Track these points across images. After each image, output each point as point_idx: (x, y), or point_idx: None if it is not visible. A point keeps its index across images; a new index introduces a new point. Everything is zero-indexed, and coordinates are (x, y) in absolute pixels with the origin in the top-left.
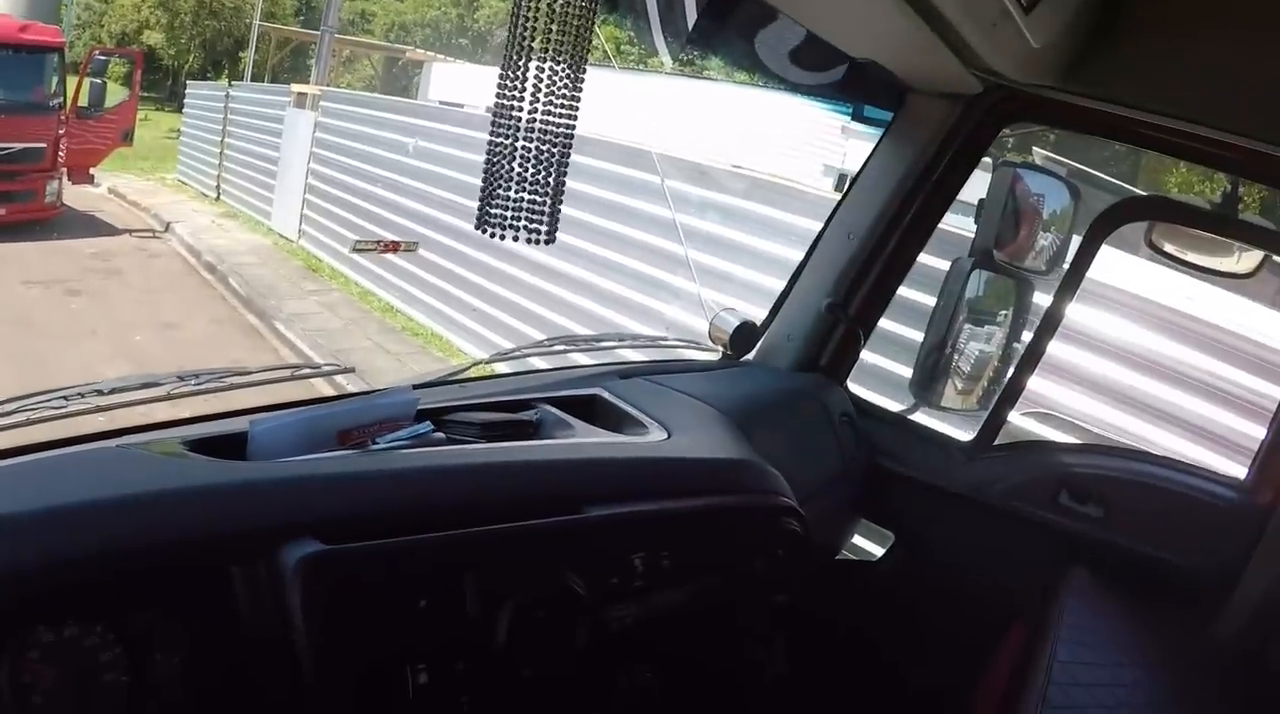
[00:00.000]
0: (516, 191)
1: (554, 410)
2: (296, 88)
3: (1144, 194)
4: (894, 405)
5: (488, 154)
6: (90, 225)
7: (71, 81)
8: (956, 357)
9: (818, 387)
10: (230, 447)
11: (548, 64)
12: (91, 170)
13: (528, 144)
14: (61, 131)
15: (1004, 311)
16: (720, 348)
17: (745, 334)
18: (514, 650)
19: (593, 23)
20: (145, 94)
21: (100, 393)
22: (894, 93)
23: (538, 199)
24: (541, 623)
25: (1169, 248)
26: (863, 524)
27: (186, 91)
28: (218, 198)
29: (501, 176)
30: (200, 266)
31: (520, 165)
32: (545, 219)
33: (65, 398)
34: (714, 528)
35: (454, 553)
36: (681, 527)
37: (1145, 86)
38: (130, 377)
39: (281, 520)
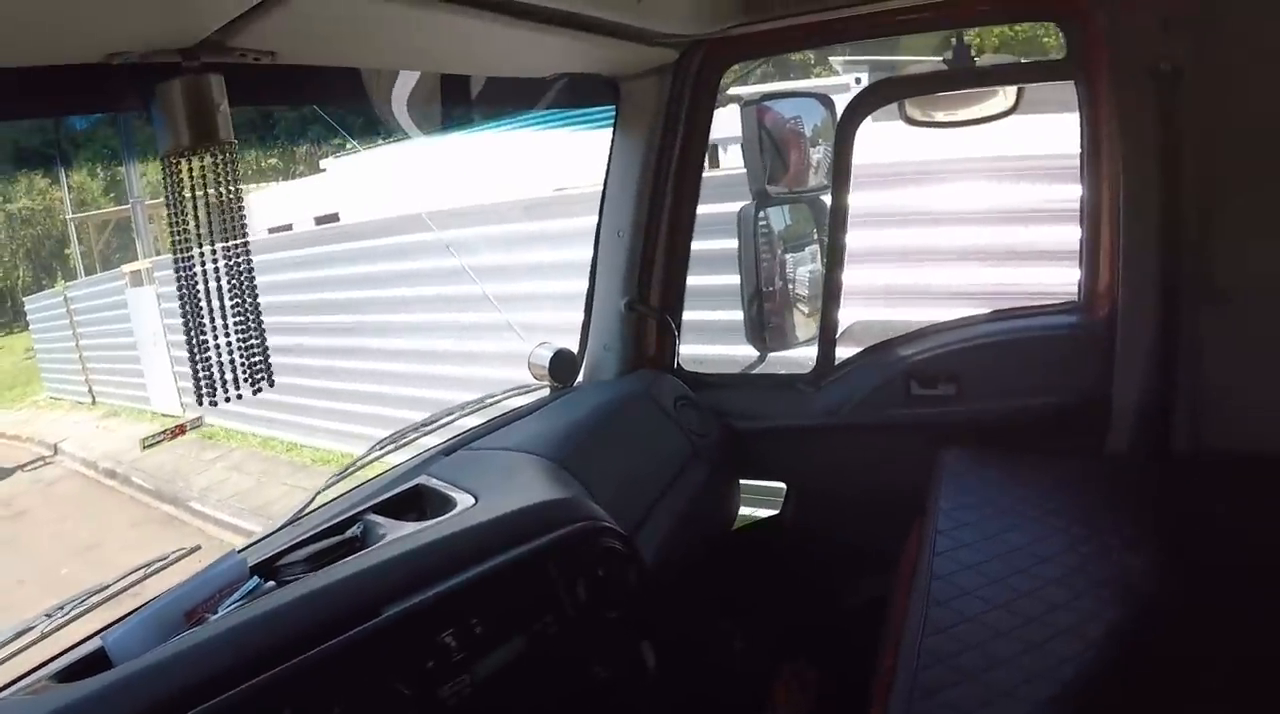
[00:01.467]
0: (222, 342)
1: (376, 517)
2: (127, 268)
3: (882, 79)
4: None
5: (179, 295)
6: None
7: None
8: (779, 295)
9: (645, 383)
10: (93, 665)
11: (208, 192)
12: None
13: (219, 271)
14: None
15: (809, 235)
16: (547, 383)
17: (563, 362)
18: None
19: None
20: None
21: None
22: (608, 87)
23: (246, 342)
24: None
25: (932, 116)
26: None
27: (26, 308)
28: (93, 402)
29: (201, 327)
30: (100, 475)
31: (216, 292)
32: (258, 359)
33: None
34: (525, 574)
35: (270, 693)
36: (489, 587)
37: None
38: (3, 630)
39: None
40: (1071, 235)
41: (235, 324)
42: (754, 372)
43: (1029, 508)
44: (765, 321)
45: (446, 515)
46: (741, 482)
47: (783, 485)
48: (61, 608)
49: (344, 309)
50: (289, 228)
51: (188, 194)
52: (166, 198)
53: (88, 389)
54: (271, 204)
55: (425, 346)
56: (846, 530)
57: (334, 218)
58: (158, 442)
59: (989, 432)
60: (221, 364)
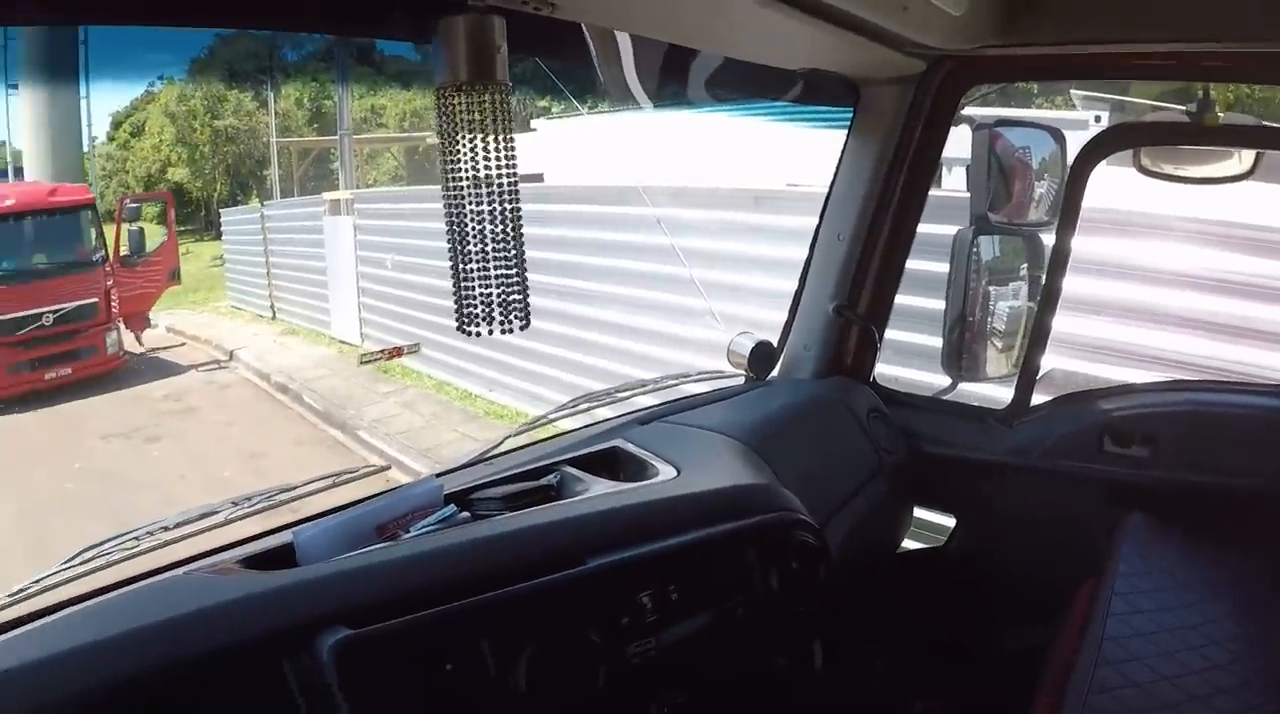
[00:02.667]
0: (479, 283)
1: (573, 470)
2: (329, 196)
3: (1122, 123)
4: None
5: (449, 233)
6: (156, 368)
7: (109, 232)
8: (981, 325)
9: (842, 390)
10: (281, 557)
11: (478, 130)
12: (147, 314)
13: (482, 210)
14: (110, 283)
15: (1020, 269)
16: (743, 372)
17: (763, 354)
18: (536, 698)
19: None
20: (182, 229)
21: (165, 529)
22: (848, 89)
23: (505, 280)
24: (557, 670)
25: (1163, 168)
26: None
27: (221, 219)
28: (274, 317)
29: (467, 257)
30: (272, 389)
31: (480, 234)
32: (517, 300)
33: (136, 538)
34: (721, 554)
35: (467, 620)
36: (688, 559)
37: (1084, 20)
38: (190, 510)
39: (320, 613)
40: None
41: (497, 261)
42: (944, 397)
43: (1209, 589)
44: (963, 350)
45: (648, 481)
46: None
47: (952, 518)
48: (249, 499)
49: (547, 270)
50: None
51: (461, 130)
52: (439, 131)
53: (270, 304)
54: None
55: (622, 320)
56: (1013, 574)
57: (538, 178)
58: (374, 359)
59: (1177, 501)
60: (482, 298)
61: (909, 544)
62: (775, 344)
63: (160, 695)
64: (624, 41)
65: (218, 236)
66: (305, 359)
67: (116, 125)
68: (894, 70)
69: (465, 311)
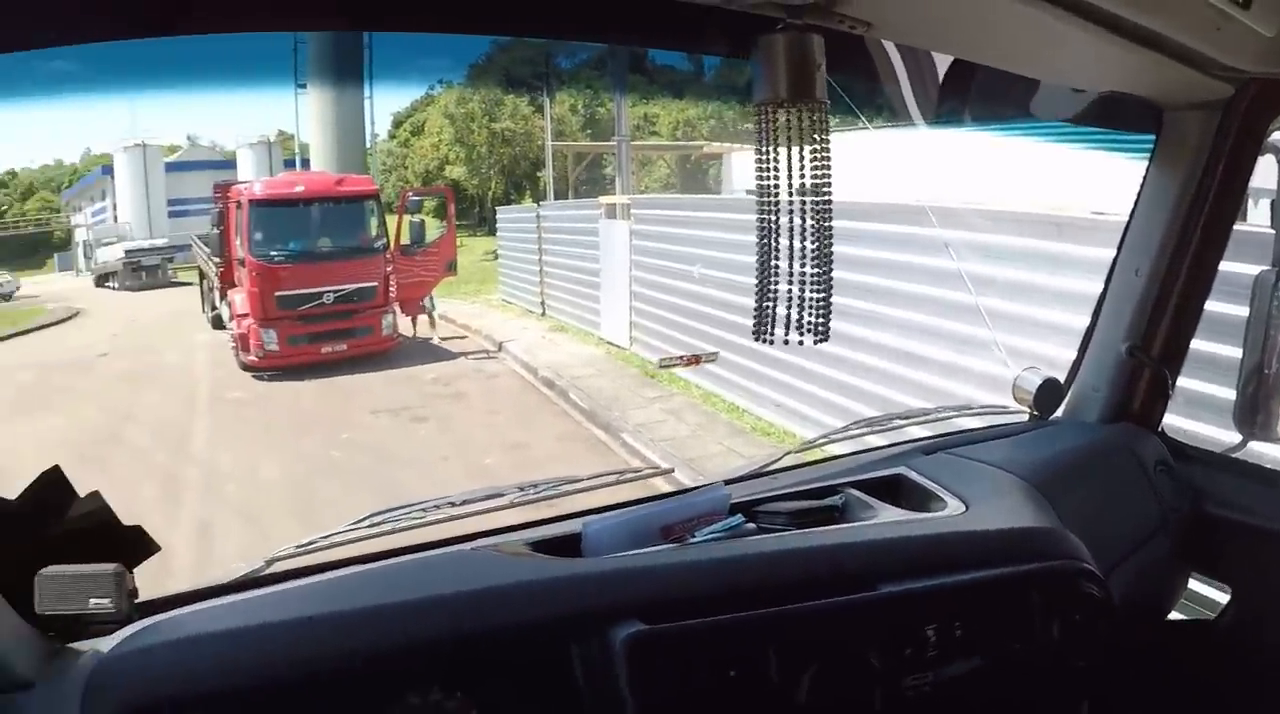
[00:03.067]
0: (789, 289)
1: (858, 494)
2: (605, 200)
3: None
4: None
5: (759, 248)
6: (427, 352)
7: (390, 222)
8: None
9: (1129, 437)
10: (566, 545)
11: (797, 146)
12: (422, 301)
13: (791, 220)
14: (389, 269)
15: None
16: (1027, 409)
17: (1049, 392)
18: None
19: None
20: (457, 223)
21: (453, 504)
22: (1150, 115)
23: (809, 293)
24: (837, 691)
25: None
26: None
27: (497, 216)
28: (543, 313)
29: (771, 272)
30: (538, 382)
31: (788, 250)
32: (820, 312)
33: (424, 510)
34: (1008, 597)
35: (759, 630)
36: (975, 598)
37: None
38: (478, 490)
39: (611, 606)
40: None
41: (804, 273)
42: (1236, 456)
43: None
44: (1259, 404)
45: (935, 513)
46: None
47: (1228, 591)
48: (535, 486)
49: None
50: None
51: (779, 145)
52: (757, 145)
53: (540, 301)
54: (748, 166)
55: (899, 345)
56: None
57: None
58: (673, 364)
59: None
60: (784, 308)
61: (1175, 614)
62: (1062, 382)
63: (444, 664)
64: (922, 59)
65: (490, 233)
66: (573, 357)
67: (397, 124)
68: (1200, 94)
69: (764, 318)
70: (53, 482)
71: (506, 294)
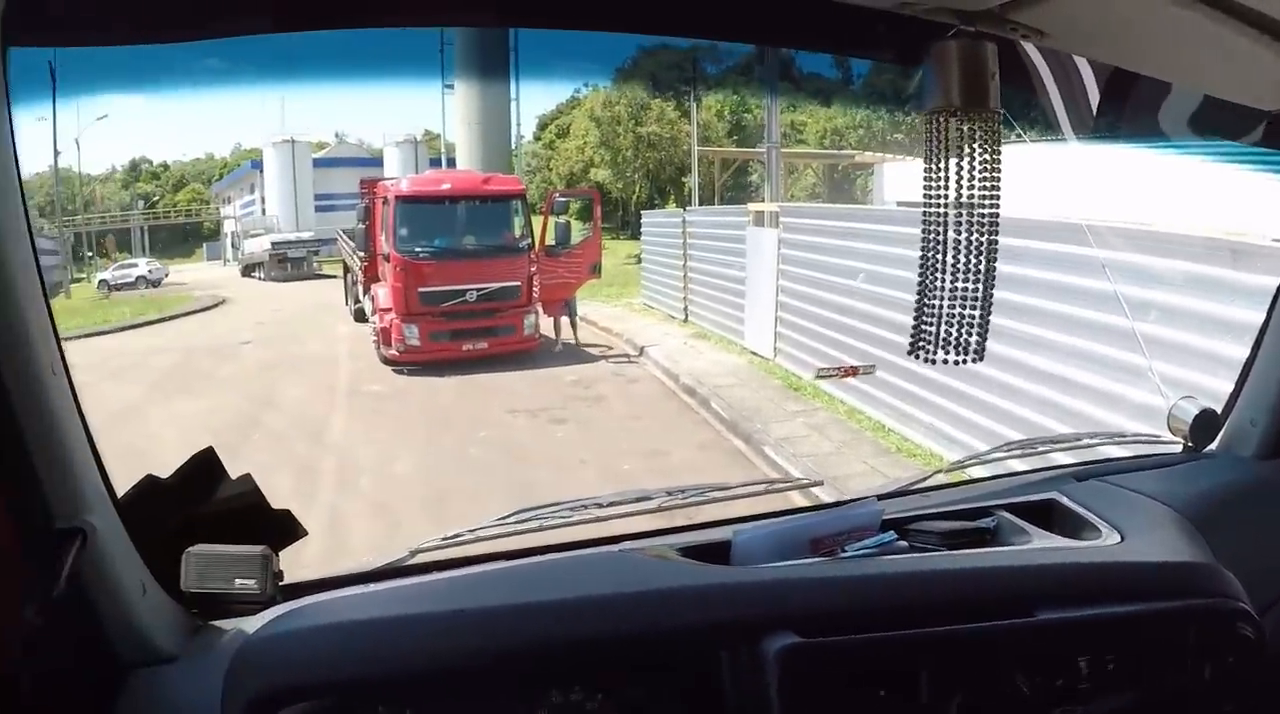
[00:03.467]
0: (950, 314)
1: (1010, 517)
2: (753, 207)
3: None
4: None
5: (922, 257)
6: (567, 354)
7: (535, 223)
8: None
9: None
10: (715, 552)
11: (968, 156)
12: (564, 302)
13: (959, 238)
14: (533, 269)
15: None
16: (1181, 439)
17: (1205, 423)
18: None
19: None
20: (601, 226)
21: (600, 505)
22: None
23: (967, 318)
24: None
25: None
26: None
27: (642, 220)
28: (685, 320)
29: (935, 284)
30: (679, 389)
31: (954, 262)
32: (979, 332)
33: (571, 509)
34: (1162, 632)
35: (912, 650)
36: (1128, 631)
37: None
38: (625, 491)
39: (764, 615)
40: None
41: (965, 289)
42: None
43: None
44: None
45: (1090, 542)
46: None
47: None
48: (683, 491)
49: None
50: (919, 206)
51: (949, 155)
52: (926, 155)
53: (683, 307)
54: (905, 178)
55: (1048, 367)
56: None
57: (918, 204)
58: (830, 376)
59: None
60: (943, 323)
61: None
62: (1219, 413)
63: (588, 664)
64: (1094, 71)
65: (632, 236)
66: (715, 365)
67: (542, 126)
68: None
69: (922, 335)
70: (205, 462)
71: (648, 298)
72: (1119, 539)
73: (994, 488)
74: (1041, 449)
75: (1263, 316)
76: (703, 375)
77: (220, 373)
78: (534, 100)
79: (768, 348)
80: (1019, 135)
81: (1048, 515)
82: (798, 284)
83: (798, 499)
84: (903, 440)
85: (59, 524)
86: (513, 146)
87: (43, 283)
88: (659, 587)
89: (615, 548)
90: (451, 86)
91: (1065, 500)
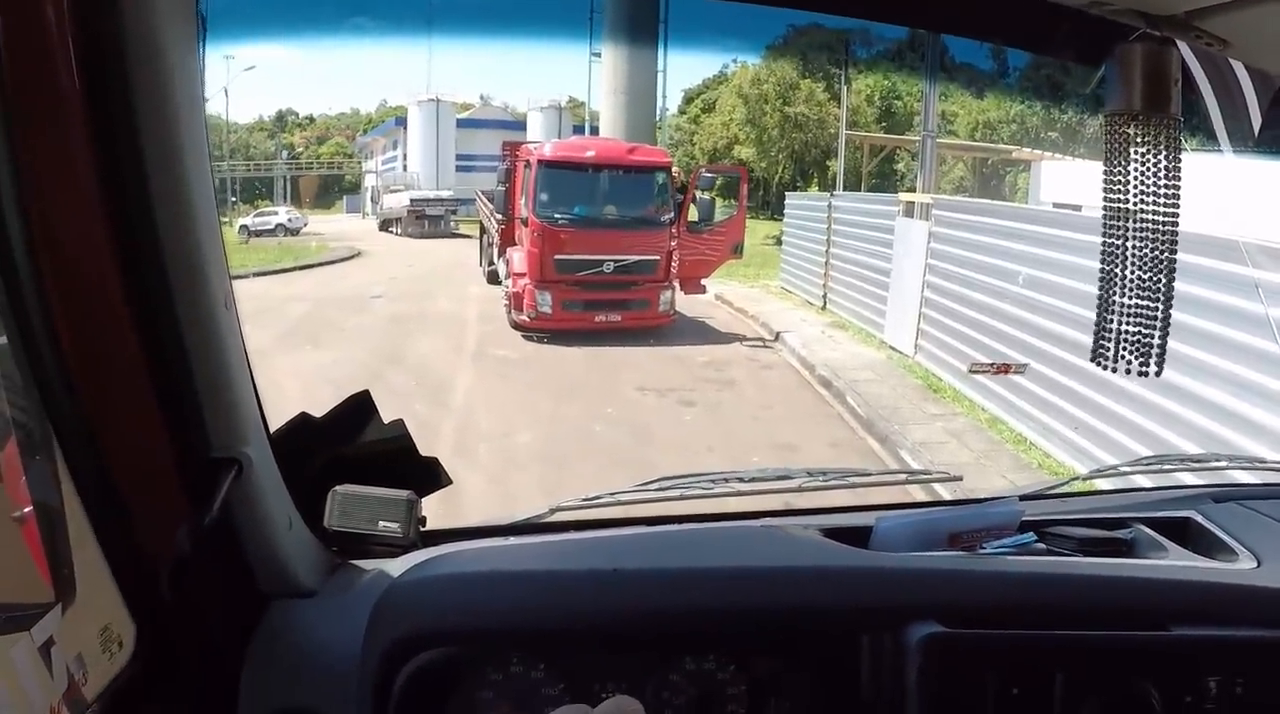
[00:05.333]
0: (1129, 320)
1: (1147, 530)
2: (904, 197)
3: None
4: None
5: (1101, 264)
6: (701, 333)
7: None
8: None
9: None
10: (855, 535)
11: (1148, 162)
12: (701, 281)
13: (1138, 246)
14: (674, 244)
15: None
16: None
17: None
18: None
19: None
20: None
21: (741, 480)
22: None
23: (1147, 325)
24: None
25: None
26: None
27: (786, 202)
28: (824, 307)
29: (1114, 291)
30: (814, 380)
31: (1132, 270)
32: (1156, 346)
33: (713, 481)
34: None
35: (1049, 651)
36: (1258, 656)
37: None
38: (768, 468)
39: (908, 602)
40: None
41: (1141, 294)
42: None
43: None
44: None
45: (1227, 564)
46: None
47: None
48: (824, 473)
49: None
50: (1077, 208)
51: (1129, 160)
52: (1105, 156)
53: (822, 294)
54: (1064, 178)
55: (1196, 388)
56: None
57: (1075, 208)
58: (983, 371)
59: None
60: (1123, 335)
61: None
62: None
63: (725, 635)
64: (1260, 83)
65: (772, 216)
66: (853, 358)
67: (689, 100)
68: None
69: (1103, 337)
70: (359, 403)
71: (786, 282)
72: (1256, 564)
73: (1131, 500)
74: (1173, 467)
75: None
76: (839, 367)
77: (348, 325)
78: (681, 73)
79: (908, 344)
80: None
81: (1183, 533)
82: (946, 281)
83: (934, 493)
84: (1045, 456)
85: (215, 453)
86: (657, 119)
87: (218, 219)
88: (804, 564)
89: (758, 523)
90: (599, 55)
91: (1201, 520)
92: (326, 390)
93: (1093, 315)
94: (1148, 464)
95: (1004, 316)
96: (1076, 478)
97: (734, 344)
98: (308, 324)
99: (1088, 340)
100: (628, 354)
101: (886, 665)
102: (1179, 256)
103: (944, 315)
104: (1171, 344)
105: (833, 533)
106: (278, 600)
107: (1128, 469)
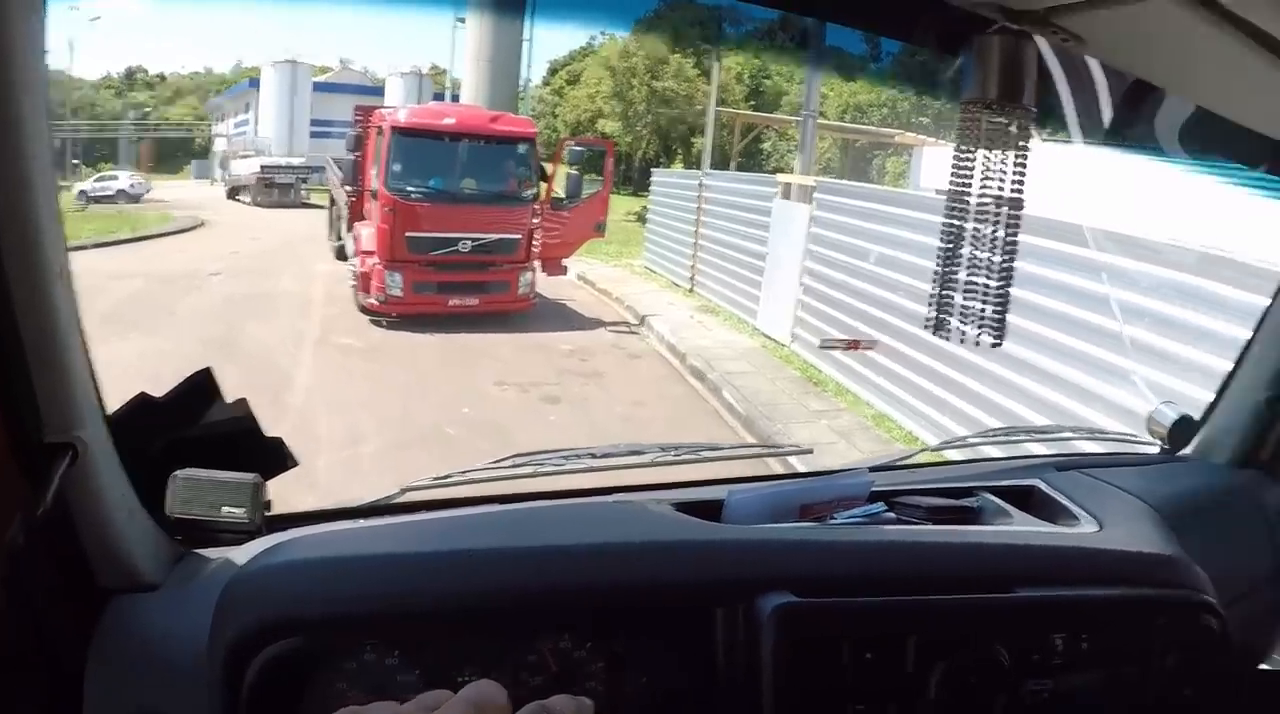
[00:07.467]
0: (968, 295)
1: (993, 498)
2: (783, 178)
3: None
4: None
5: (941, 242)
6: (563, 317)
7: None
8: None
9: (1255, 484)
10: (707, 509)
11: (997, 149)
12: (562, 261)
13: (979, 226)
14: (535, 222)
15: None
16: (1159, 441)
17: (1183, 428)
18: (940, 705)
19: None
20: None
21: (595, 456)
22: None
23: (989, 295)
24: (967, 685)
25: None
26: None
27: (653, 178)
28: (691, 290)
29: (954, 267)
30: (686, 372)
31: (973, 248)
32: (992, 320)
33: (565, 457)
34: (1132, 619)
35: (900, 616)
36: (1101, 614)
37: None
38: (620, 444)
39: (760, 574)
40: None
41: (977, 272)
42: None
43: None
44: None
45: (1068, 529)
46: None
47: None
48: (676, 449)
49: None
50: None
51: (979, 147)
52: (957, 145)
53: (690, 276)
54: (941, 163)
55: (1038, 361)
56: None
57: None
58: (833, 347)
59: None
60: (960, 305)
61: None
62: (1196, 420)
63: (579, 613)
64: (1112, 79)
65: (634, 192)
66: (725, 347)
67: (554, 71)
68: None
69: (941, 317)
70: (200, 382)
71: (651, 262)
72: (1097, 528)
73: (978, 470)
74: (1021, 438)
75: (1246, 332)
76: (713, 357)
77: (179, 307)
78: (548, 44)
79: (784, 333)
80: (1042, 135)
81: (1028, 500)
82: (828, 268)
83: (788, 465)
84: (939, 456)
85: (49, 437)
86: (520, 89)
87: (56, 184)
88: (656, 539)
89: (611, 499)
90: (463, 20)
91: (1045, 487)
92: (142, 384)
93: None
94: (995, 435)
95: (886, 305)
96: (926, 449)
97: (599, 330)
98: (133, 307)
99: (971, 330)
100: (486, 342)
101: (741, 637)
102: (1030, 239)
103: (824, 303)
104: (1039, 327)
105: (685, 507)
106: (119, 595)
107: (976, 440)
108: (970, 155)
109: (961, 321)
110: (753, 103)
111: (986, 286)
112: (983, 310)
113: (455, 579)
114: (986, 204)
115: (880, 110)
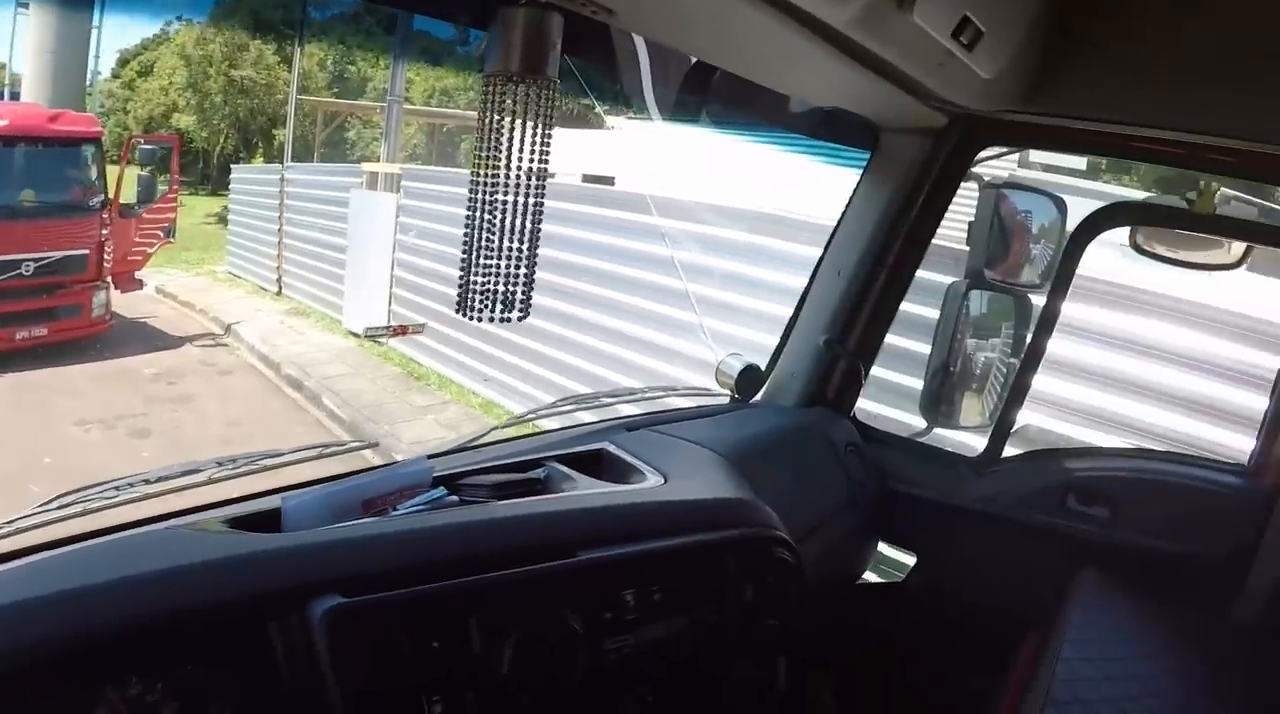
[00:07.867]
0: (489, 270)
1: (561, 467)
2: (368, 167)
3: (1121, 201)
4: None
5: (468, 210)
6: (144, 337)
7: (110, 175)
8: (962, 375)
9: (822, 421)
10: (266, 521)
11: (519, 123)
12: (137, 274)
13: (505, 198)
14: (105, 233)
15: (1006, 326)
16: (729, 392)
17: (750, 377)
18: (516, 681)
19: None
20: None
21: (147, 481)
22: (868, 132)
23: (516, 271)
24: (540, 655)
25: (1156, 248)
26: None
27: (232, 176)
28: (279, 292)
29: (484, 244)
30: (282, 382)
31: (494, 229)
32: (520, 298)
33: (116, 488)
34: (704, 562)
35: (459, 599)
36: (672, 563)
37: (1105, 99)
38: (173, 465)
39: (309, 580)
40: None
41: (511, 251)
42: (920, 440)
43: (1154, 646)
44: (942, 397)
45: (636, 485)
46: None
47: (913, 556)
48: (234, 461)
49: (557, 269)
50: (552, 176)
51: (505, 118)
52: (480, 116)
53: (276, 277)
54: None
55: (620, 327)
56: (966, 617)
57: (609, 181)
58: (379, 335)
59: (1130, 562)
60: (489, 286)
61: (870, 577)
62: (763, 368)
63: (143, 647)
64: (661, 55)
65: (213, 192)
66: (320, 349)
67: (123, 63)
68: (916, 121)
69: (472, 293)
70: None
71: (235, 266)
72: (662, 481)
73: (546, 441)
74: (600, 402)
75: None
76: (308, 363)
77: None
78: (120, 33)
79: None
80: (599, 108)
81: (598, 464)
82: (419, 258)
83: (358, 462)
84: (535, 427)
85: None
86: (88, 84)
87: None
88: (201, 560)
89: (160, 526)
90: (26, 6)
91: (614, 449)
92: None
93: (593, 288)
94: (571, 403)
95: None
96: (495, 428)
97: (184, 347)
98: None
99: (492, 286)
100: (59, 377)
101: (299, 650)
102: (608, 212)
103: (418, 295)
104: (624, 297)
105: (240, 522)
106: None
107: (546, 412)
108: (496, 128)
109: (485, 301)
110: (336, 90)
111: (517, 261)
112: (509, 290)
113: (4, 638)
114: (507, 175)
115: (467, 94)
